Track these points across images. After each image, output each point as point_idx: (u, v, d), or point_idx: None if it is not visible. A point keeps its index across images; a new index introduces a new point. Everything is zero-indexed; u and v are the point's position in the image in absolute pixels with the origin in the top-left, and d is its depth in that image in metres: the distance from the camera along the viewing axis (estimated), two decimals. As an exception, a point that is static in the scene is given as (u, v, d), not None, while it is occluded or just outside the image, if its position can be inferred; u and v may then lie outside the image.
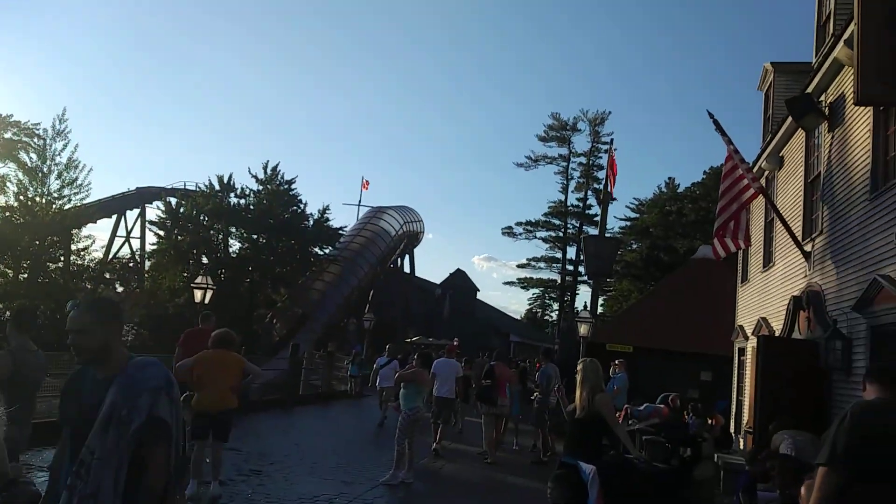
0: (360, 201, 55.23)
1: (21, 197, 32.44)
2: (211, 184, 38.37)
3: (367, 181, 56.47)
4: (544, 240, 58.06)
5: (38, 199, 32.76)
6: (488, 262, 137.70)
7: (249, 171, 39.22)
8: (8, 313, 35.87)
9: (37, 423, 5.38)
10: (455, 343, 23.00)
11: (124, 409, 2.40)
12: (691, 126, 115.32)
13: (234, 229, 38.54)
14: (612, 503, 5.74)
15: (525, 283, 60.56)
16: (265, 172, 38.70)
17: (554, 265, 58.37)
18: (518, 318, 76.17)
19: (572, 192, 57.15)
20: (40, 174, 32.84)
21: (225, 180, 38.39)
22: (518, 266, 61.70)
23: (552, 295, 60.74)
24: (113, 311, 2.66)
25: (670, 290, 23.29)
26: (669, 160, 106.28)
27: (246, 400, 16.17)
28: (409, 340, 43.66)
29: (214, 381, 7.14)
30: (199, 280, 15.23)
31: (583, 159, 56.75)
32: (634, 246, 52.17)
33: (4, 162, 35.07)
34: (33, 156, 33.61)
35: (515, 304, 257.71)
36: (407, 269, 58.85)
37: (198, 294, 14.76)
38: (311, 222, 39.95)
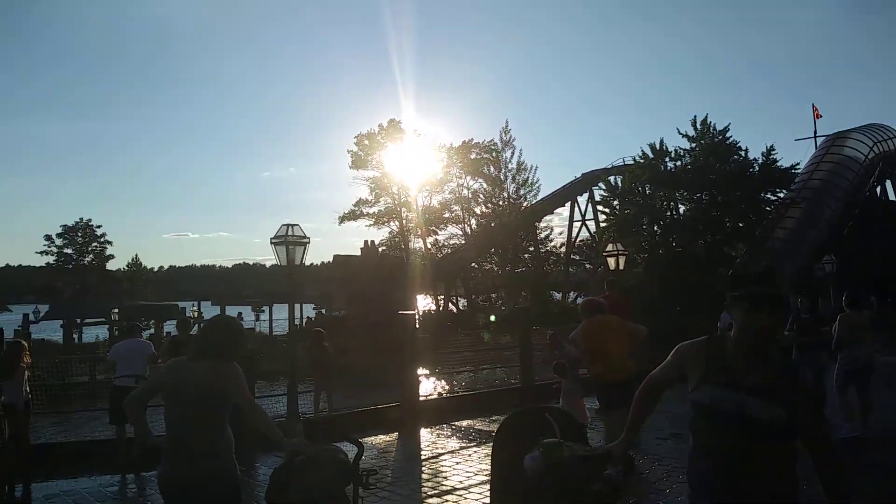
0: (815, 132, 48.47)
1: (489, 204, 38.82)
2: (644, 153, 38.81)
3: (817, 108, 49.26)
4: None
5: (501, 203, 38.64)
6: None
7: (678, 131, 38.12)
8: (499, 302, 43.20)
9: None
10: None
11: None
12: None
13: (676, 193, 38.25)
14: None
15: None
16: (695, 129, 37.38)
17: None
18: None
19: None
20: (499, 182, 38.78)
21: (657, 147, 38.44)
22: None
23: None
24: None
25: None
26: None
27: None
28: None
29: (604, 350, 7.36)
30: (609, 248, 15.83)
31: None
32: None
33: (475, 179, 42.29)
34: (492, 168, 39.85)
35: None
36: (891, 195, 49.06)
37: (611, 262, 15.36)
38: (757, 168, 37.01)
